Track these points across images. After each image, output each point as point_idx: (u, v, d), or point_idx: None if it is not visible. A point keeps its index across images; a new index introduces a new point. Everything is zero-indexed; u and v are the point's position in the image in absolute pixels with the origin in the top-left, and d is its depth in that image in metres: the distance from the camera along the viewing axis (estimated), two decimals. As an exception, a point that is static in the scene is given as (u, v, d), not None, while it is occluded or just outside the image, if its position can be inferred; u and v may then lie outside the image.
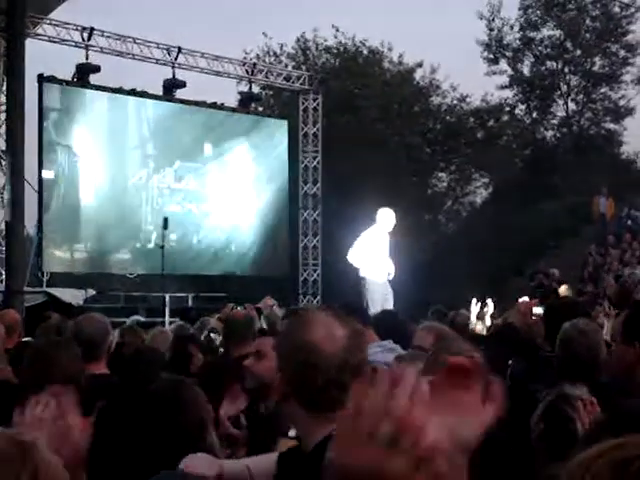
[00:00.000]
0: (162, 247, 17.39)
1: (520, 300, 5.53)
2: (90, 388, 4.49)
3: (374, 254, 12.89)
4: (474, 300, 11.49)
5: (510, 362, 5.74)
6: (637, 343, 3.45)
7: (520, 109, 38.12)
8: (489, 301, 12.14)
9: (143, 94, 21.47)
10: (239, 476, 2.71)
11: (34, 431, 2.38)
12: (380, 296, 12.39)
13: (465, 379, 1.64)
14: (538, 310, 6.30)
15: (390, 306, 12.09)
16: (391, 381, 1.15)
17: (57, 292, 16.76)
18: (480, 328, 9.67)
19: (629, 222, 25.07)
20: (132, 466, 3.57)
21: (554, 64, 37.23)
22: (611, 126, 37.61)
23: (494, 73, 37.33)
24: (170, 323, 14.64)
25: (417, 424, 1.13)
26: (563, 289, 14.85)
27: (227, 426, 4.41)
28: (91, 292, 17.53)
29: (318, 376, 2.36)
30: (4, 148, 18.88)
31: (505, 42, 37.28)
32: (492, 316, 10.66)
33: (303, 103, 25.36)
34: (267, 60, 33.42)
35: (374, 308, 10.95)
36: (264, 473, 2.70)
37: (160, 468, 2.74)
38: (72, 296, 16.67)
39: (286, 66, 31.56)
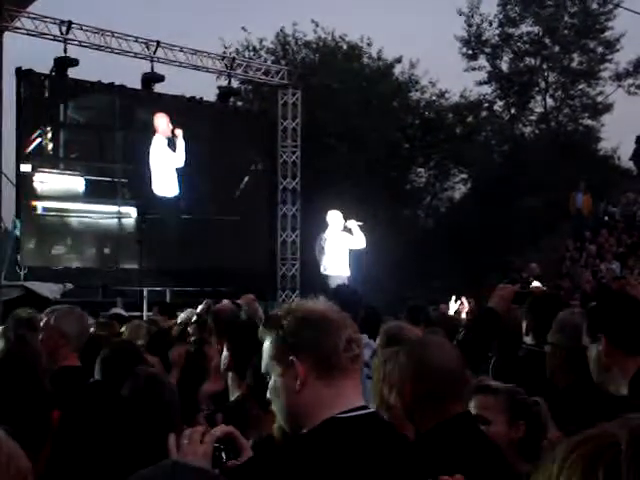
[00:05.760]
0: (140, 241, 17.42)
1: (500, 285, 5.49)
2: (60, 380, 4.49)
3: (333, 253, 13.48)
4: (453, 298, 11.62)
5: (491, 358, 5.75)
6: (603, 336, 3.47)
7: (499, 105, 38.26)
8: (464, 299, 12.29)
9: (121, 88, 21.39)
10: None
11: None
12: None
13: None
14: None
15: None
16: None
17: (34, 286, 16.65)
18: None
19: (606, 218, 25.19)
20: (101, 462, 3.58)
21: (532, 60, 37.34)
22: (589, 122, 37.78)
23: (473, 69, 37.43)
24: (148, 317, 14.64)
25: None
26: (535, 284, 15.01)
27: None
28: (69, 286, 17.43)
29: None
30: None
31: (484, 38, 37.33)
32: (468, 313, 10.77)
33: (282, 98, 25.33)
34: (246, 55, 33.30)
35: None
36: None
37: (130, 464, 2.72)
38: (50, 290, 16.56)
39: (265, 61, 31.51)
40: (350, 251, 14.37)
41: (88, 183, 20.54)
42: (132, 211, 20.97)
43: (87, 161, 21.04)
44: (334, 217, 14.21)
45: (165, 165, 21.68)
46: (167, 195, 21.79)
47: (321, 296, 2.62)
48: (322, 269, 13.94)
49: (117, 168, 21.09)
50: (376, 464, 2.26)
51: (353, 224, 14.23)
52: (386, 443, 2.36)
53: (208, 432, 2.55)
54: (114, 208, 20.96)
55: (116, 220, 20.91)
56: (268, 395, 2.50)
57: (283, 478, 2.23)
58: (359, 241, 14.16)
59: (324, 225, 14.45)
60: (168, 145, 21.68)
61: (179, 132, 21.70)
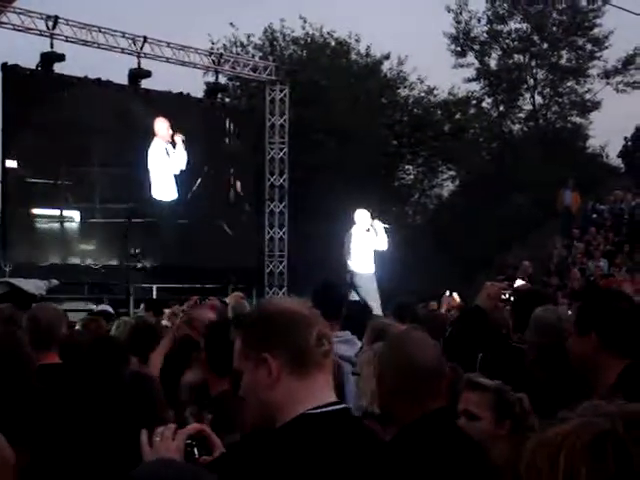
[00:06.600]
0: (126, 237, 17.38)
1: (488, 283, 5.44)
2: (41, 378, 4.44)
3: (358, 251, 13.68)
4: (446, 293, 11.61)
5: (479, 355, 5.71)
6: (594, 332, 3.42)
7: (487, 102, 38.29)
8: (455, 294, 12.32)
9: (108, 84, 21.29)
10: None
11: None
12: (365, 288, 13.43)
13: None
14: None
15: (375, 296, 13.16)
16: None
17: (20, 282, 16.55)
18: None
19: (594, 215, 25.19)
20: (86, 456, 3.51)
21: (521, 57, 37.38)
22: (577, 120, 37.87)
23: (461, 66, 37.44)
24: (135, 314, 14.57)
25: None
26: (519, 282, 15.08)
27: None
28: (54, 282, 17.34)
29: None
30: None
31: (472, 35, 37.38)
32: (449, 309, 10.82)
33: (270, 94, 25.25)
34: (234, 51, 33.22)
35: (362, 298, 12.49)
36: None
37: (114, 459, 2.68)
38: (35, 287, 16.47)
39: (253, 57, 31.43)
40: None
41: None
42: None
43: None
44: (361, 216, 14.23)
45: (162, 169, 21.65)
46: (165, 199, 21.82)
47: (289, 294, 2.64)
48: (348, 266, 14.11)
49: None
50: (346, 460, 2.26)
51: (379, 225, 14.25)
52: (356, 439, 2.37)
53: (180, 429, 2.56)
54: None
55: (102, 218, 20.86)
56: (241, 392, 2.50)
57: (254, 474, 2.23)
58: (382, 243, 14.18)
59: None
60: (166, 150, 21.64)
61: (179, 138, 21.65)
